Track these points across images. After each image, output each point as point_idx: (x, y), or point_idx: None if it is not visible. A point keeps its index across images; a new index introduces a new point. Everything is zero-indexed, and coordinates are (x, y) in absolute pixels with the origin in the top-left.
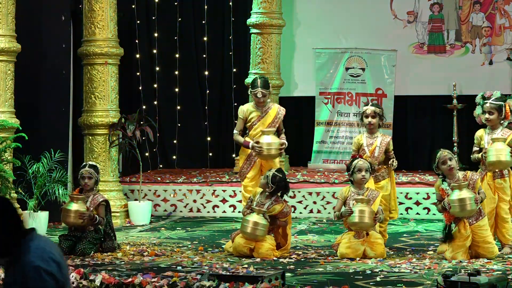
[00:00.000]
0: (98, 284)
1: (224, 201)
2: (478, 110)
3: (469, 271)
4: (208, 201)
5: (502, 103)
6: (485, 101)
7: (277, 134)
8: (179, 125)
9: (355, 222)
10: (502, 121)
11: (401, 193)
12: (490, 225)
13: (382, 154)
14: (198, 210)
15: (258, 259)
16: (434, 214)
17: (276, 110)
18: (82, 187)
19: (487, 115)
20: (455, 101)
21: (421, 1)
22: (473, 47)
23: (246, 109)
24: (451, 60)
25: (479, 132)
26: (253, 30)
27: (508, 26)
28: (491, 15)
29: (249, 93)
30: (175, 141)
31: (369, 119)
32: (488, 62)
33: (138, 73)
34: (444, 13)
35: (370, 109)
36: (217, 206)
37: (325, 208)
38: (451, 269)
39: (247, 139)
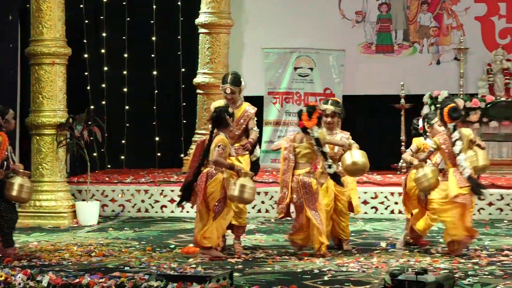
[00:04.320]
0: (45, 285)
1: (172, 201)
2: (425, 110)
3: (416, 270)
4: (156, 201)
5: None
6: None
7: (246, 133)
8: (127, 125)
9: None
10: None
11: None
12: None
13: (341, 150)
14: (146, 210)
15: (206, 259)
16: (381, 213)
17: (243, 109)
18: None
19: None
20: (402, 100)
21: (369, 1)
22: (420, 47)
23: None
24: (399, 59)
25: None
26: (201, 30)
27: (456, 26)
28: (439, 15)
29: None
30: (123, 141)
31: (329, 118)
32: (435, 62)
33: (86, 73)
34: (392, 13)
35: (329, 108)
36: (165, 206)
37: (273, 208)
38: (398, 268)
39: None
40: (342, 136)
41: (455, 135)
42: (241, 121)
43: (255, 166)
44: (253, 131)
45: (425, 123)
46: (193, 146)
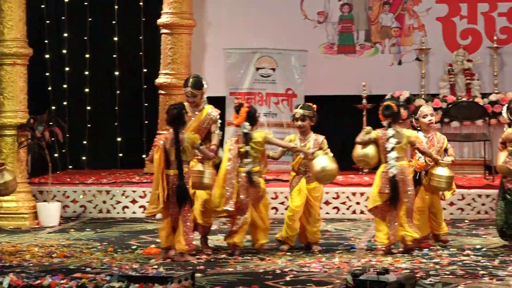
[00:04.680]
0: (6, 286)
1: (134, 202)
2: None
3: (377, 270)
4: (118, 202)
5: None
6: None
7: (208, 136)
8: (89, 125)
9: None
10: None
11: None
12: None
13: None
14: (108, 211)
15: (168, 260)
16: (343, 213)
17: (206, 112)
18: None
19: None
20: (364, 101)
21: (331, 2)
22: (382, 47)
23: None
24: (361, 60)
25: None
26: (163, 30)
27: (417, 27)
28: (400, 16)
29: None
30: (85, 142)
31: (299, 122)
32: (397, 62)
33: (47, 74)
34: (354, 14)
35: (298, 112)
36: (127, 207)
37: None
38: (360, 268)
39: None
40: (315, 139)
41: (389, 132)
42: (205, 124)
43: (218, 168)
44: (215, 135)
45: (413, 118)
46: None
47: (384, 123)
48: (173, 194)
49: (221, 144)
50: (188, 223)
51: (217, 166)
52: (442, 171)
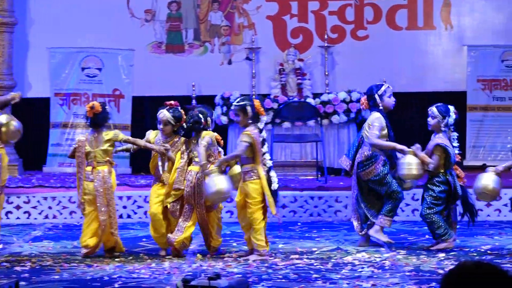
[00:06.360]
0: None
1: None
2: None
3: (209, 275)
4: None
5: (246, 103)
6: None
7: None
8: None
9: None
10: (250, 121)
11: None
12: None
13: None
14: None
15: None
16: None
17: None
18: None
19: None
20: (194, 101)
21: (159, 0)
22: (212, 46)
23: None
24: (190, 59)
25: None
26: None
27: (247, 25)
28: (230, 14)
29: None
30: None
31: (161, 125)
32: (227, 61)
33: None
34: (183, 12)
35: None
36: None
37: (61, 213)
38: (191, 273)
39: None
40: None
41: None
42: None
43: None
44: None
45: None
46: None
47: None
48: None
49: None
50: None
51: None
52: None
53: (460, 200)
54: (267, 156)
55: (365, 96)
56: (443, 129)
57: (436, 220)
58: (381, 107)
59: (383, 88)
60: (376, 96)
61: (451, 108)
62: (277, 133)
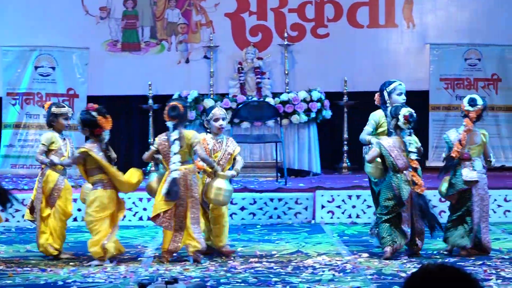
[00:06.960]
0: None
1: None
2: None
3: (166, 279)
4: None
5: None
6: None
7: None
8: None
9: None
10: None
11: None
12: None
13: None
14: None
15: None
16: (129, 220)
17: None
18: None
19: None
20: (151, 101)
21: None
22: (169, 44)
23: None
24: (146, 58)
25: None
26: None
27: (205, 23)
28: (187, 12)
29: None
30: None
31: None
32: (184, 60)
33: None
34: (139, 9)
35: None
36: None
37: (13, 217)
38: (147, 277)
39: None
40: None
41: (174, 134)
42: None
43: None
44: None
45: (204, 119)
46: None
47: (169, 124)
48: None
49: None
50: None
51: None
52: (221, 183)
53: (417, 210)
54: None
55: (379, 92)
56: (391, 131)
57: (380, 228)
58: (388, 104)
59: (392, 86)
60: (385, 93)
61: (404, 110)
62: (235, 134)
